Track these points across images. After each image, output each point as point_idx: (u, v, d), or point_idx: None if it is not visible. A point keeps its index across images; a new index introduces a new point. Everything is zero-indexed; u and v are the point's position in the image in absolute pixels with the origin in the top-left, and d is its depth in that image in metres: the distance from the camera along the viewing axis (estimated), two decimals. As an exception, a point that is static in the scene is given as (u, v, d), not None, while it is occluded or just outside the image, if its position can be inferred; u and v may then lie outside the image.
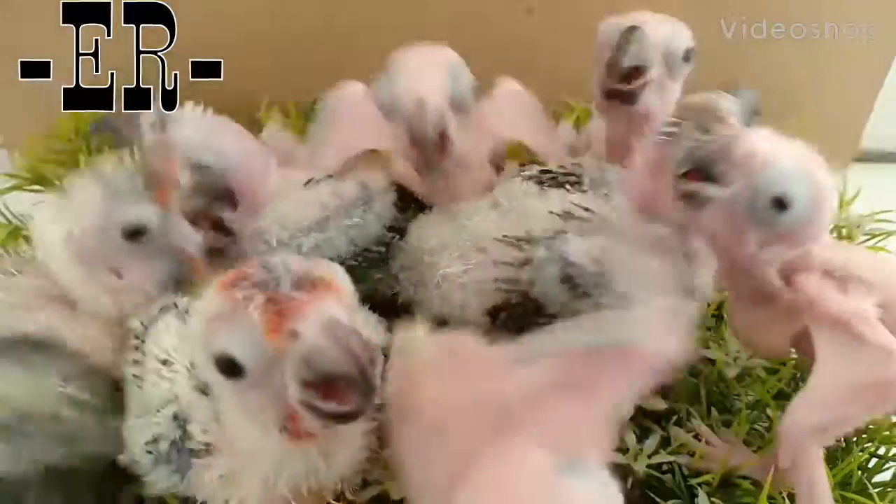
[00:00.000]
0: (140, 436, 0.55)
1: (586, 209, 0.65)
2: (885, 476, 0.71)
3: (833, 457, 0.69)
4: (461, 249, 0.67)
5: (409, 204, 0.76)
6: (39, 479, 0.53)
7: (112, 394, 0.58)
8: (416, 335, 0.51)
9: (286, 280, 0.45)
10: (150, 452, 0.54)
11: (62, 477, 0.54)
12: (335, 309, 0.45)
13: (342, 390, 0.43)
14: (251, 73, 0.94)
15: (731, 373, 0.76)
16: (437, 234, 0.70)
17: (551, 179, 0.69)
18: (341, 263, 0.65)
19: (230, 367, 0.44)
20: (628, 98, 0.66)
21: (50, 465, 0.53)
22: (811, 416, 0.54)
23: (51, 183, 0.68)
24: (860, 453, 0.69)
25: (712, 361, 0.77)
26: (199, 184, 0.61)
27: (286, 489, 0.51)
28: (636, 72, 0.65)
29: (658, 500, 0.66)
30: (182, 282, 0.63)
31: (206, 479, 0.52)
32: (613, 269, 0.61)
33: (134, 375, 0.58)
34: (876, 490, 0.67)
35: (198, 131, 0.63)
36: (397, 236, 0.74)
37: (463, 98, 0.66)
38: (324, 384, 0.43)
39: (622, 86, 0.65)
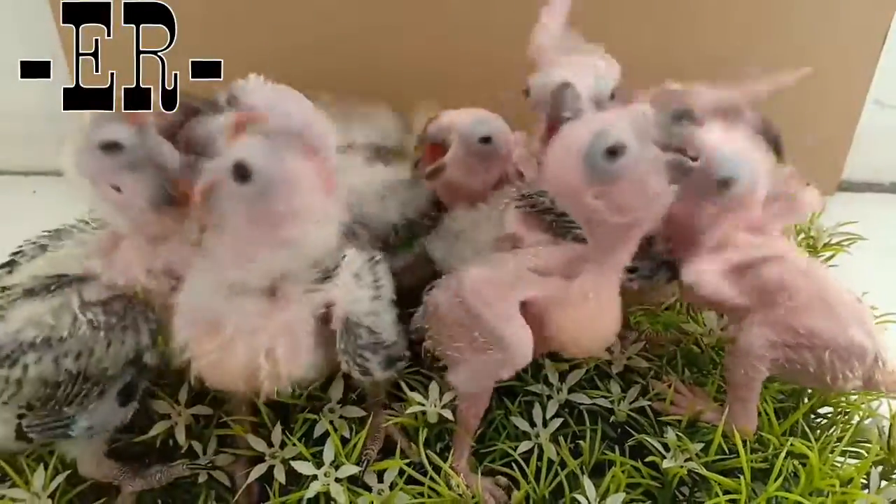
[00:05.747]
0: None
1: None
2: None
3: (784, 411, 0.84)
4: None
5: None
6: (67, 380, 0.66)
7: (133, 315, 0.69)
8: None
9: None
10: None
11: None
12: None
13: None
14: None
15: (707, 341, 0.92)
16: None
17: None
18: (393, 228, 0.83)
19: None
20: None
21: (69, 372, 0.66)
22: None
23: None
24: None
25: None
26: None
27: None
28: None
29: (634, 433, 0.81)
30: (174, 197, 0.67)
31: None
32: None
33: None
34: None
35: (263, 99, 0.69)
36: (439, 212, 0.88)
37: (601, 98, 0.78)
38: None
39: None
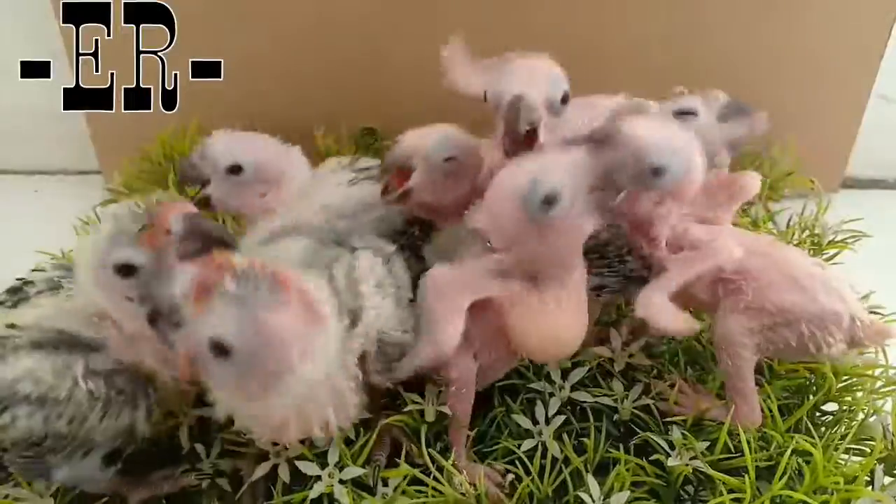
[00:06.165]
0: None
1: None
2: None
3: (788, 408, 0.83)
4: None
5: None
6: (53, 438, 0.66)
7: (133, 389, 0.68)
8: None
9: None
10: None
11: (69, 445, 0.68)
12: None
13: None
14: (306, 103, 1.04)
15: (708, 337, 0.90)
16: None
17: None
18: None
19: None
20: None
21: (58, 433, 0.65)
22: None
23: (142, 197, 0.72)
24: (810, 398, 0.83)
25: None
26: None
27: None
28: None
29: (638, 431, 0.81)
30: None
31: None
32: None
33: None
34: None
35: (226, 142, 0.80)
36: (417, 230, 0.88)
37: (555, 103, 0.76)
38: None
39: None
